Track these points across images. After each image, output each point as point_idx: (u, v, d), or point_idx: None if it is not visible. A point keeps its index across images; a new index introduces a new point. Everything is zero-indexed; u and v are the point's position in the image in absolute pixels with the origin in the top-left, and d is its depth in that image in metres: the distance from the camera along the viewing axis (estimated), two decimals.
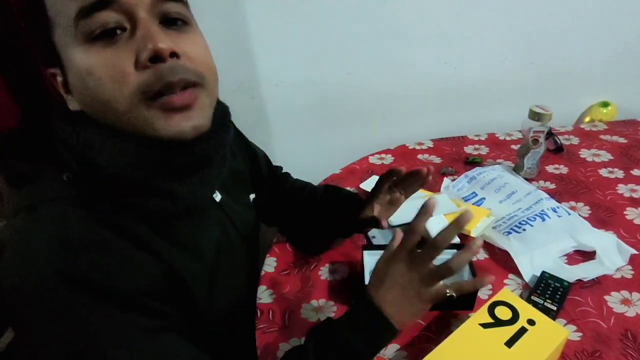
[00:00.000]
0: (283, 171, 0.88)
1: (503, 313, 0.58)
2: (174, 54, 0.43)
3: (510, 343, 0.55)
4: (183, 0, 0.47)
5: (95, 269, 0.41)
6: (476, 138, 1.21)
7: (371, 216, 0.72)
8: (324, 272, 0.78)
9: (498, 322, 0.57)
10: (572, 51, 1.26)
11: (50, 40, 0.44)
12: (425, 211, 0.51)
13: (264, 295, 0.74)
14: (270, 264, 0.81)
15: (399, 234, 0.56)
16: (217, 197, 0.60)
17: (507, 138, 1.20)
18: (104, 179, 0.45)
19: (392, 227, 0.85)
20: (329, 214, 0.77)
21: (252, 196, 0.72)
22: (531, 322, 0.57)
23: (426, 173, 0.68)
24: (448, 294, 0.51)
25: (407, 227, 0.52)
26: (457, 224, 0.49)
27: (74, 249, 0.40)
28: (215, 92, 0.50)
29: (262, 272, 0.79)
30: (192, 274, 0.50)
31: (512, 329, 0.56)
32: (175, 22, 0.46)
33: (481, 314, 0.59)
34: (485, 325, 0.57)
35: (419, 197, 0.94)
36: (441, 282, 0.51)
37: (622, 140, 1.15)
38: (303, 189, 0.84)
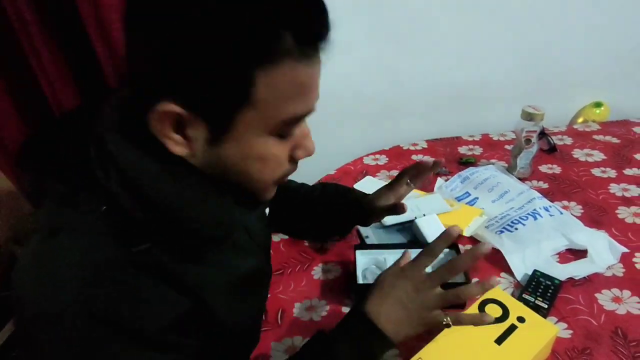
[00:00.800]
0: None
1: (493, 310, 0.59)
2: None
3: (500, 340, 0.55)
4: None
5: (118, 305, 0.40)
6: (470, 138, 1.21)
7: (391, 204, 0.70)
8: (317, 272, 0.79)
9: None
10: (566, 52, 1.27)
11: (229, 108, 0.39)
12: (447, 237, 0.50)
13: None
14: None
15: (408, 254, 0.56)
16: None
17: (501, 138, 1.21)
18: (162, 224, 0.43)
19: (385, 227, 0.86)
20: (331, 208, 0.76)
21: (267, 209, 0.72)
22: (521, 319, 0.58)
23: (438, 162, 0.68)
24: (444, 323, 0.50)
25: (425, 248, 0.52)
26: (469, 253, 0.50)
27: (100, 287, 0.39)
28: None
29: None
30: (220, 303, 0.50)
31: (502, 326, 0.57)
32: None
33: (471, 312, 0.59)
34: None
35: (414, 196, 0.95)
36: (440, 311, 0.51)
37: (614, 140, 1.16)
38: (298, 189, 0.84)
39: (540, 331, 0.56)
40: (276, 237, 0.87)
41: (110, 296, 0.40)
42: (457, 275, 0.50)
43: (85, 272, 0.39)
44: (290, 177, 0.87)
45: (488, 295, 0.61)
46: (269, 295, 0.74)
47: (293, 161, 0.47)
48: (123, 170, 0.41)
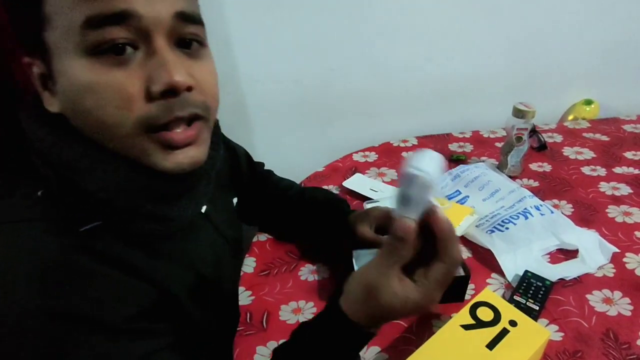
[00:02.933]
0: (266, 168, 0.85)
1: (485, 314, 0.57)
2: (188, 88, 0.40)
3: (491, 345, 0.53)
4: (202, 21, 0.44)
5: (78, 301, 0.38)
6: (461, 136, 1.20)
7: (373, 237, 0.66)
8: (304, 273, 0.76)
9: (480, 324, 0.56)
10: (557, 50, 1.26)
11: (38, 34, 0.38)
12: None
13: (242, 297, 0.72)
14: (249, 265, 0.78)
15: (402, 225, 0.40)
16: (203, 208, 0.57)
17: (492, 136, 1.20)
18: (87, 201, 0.40)
19: None
20: (320, 228, 0.74)
21: (235, 199, 0.70)
22: (513, 323, 0.56)
23: None
24: None
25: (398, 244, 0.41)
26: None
27: (54, 282, 0.37)
28: (214, 120, 0.48)
29: (241, 273, 0.77)
30: (184, 290, 0.48)
31: (494, 331, 0.55)
32: (191, 44, 0.42)
33: (462, 315, 0.57)
34: (466, 327, 0.56)
35: None
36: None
37: (604, 138, 1.15)
38: (288, 189, 0.81)
39: (533, 335, 0.55)
40: (263, 237, 0.85)
41: (66, 289, 0.37)
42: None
43: (33, 268, 0.37)
44: (279, 173, 0.86)
45: (479, 298, 0.59)
46: (253, 297, 0.72)
47: (154, 98, 0.38)
48: (37, 147, 0.40)
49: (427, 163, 0.39)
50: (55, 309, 0.36)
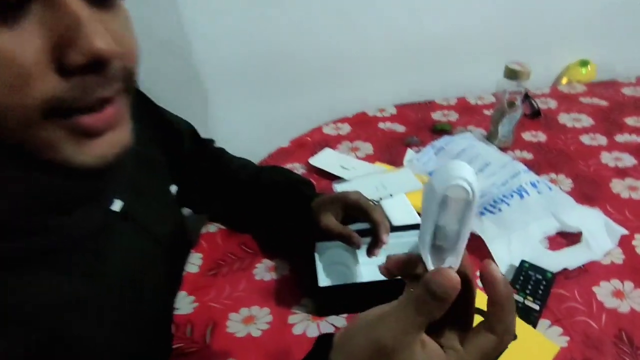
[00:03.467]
0: (216, 146, 0.71)
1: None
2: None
3: None
4: None
5: None
6: (445, 103, 1.07)
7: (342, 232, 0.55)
8: (259, 271, 0.63)
9: None
10: (550, 4, 1.12)
11: None
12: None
13: (182, 304, 0.59)
14: (194, 263, 0.65)
15: (446, 278, 0.27)
16: (116, 205, 0.42)
17: (479, 102, 1.07)
18: None
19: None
20: (279, 216, 0.62)
21: (174, 188, 0.56)
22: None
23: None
24: None
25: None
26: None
27: None
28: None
29: (184, 273, 0.63)
30: (85, 327, 0.36)
31: None
32: None
33: None
34: None
35: (380, 172, 0.80)
36: None
37: (603, 102, 1.04)
38: (242, 169, 0.68)
39: (537, 352, 0.43)
40: (213, 228, 0.71)
41: None
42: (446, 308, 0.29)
43: None
44: (237, 151, 0.72)
45: None
46: (196, 305, 0.59)
47: (68, 73, 0.27)
48: None
49: (470, 175, 0.24)
50: None
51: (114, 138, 0.32)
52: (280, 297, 0.59)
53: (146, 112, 0.55)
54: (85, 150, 0.30)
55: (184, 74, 0.96)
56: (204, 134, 0.69)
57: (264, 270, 0.63)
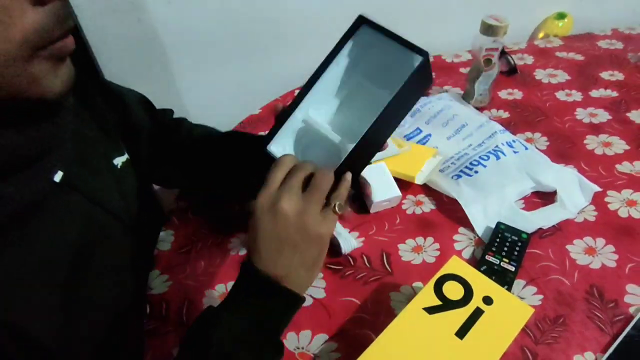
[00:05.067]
0: (176, 116, 0.67)
1: (453, 291, 0.45)
2: None
3: (462, 332, 0.42)
4: None
5: None
6: None
7: None
8: (234, 245, 0.62)
9: (447, 304, 0.44)
10: None
11: None
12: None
13: (156, 283, 0.57)
14: (165, 240, 0.63)
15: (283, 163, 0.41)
16: (57, 176, 0.39)
17: (455, 60, 1.04)
18: None
19: None
20: (233, 163, 0.59)
21: (120, 159, 0.52)
22: (488, 300, 0.45)
23: None
24: (339, 212, 0.40)
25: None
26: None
27: None
28: None
29: (155, 251, 0.61)
30: (27, 309, 0.34)
31: (465, 312, 0.44)
32: None
33: (425, 295, 0.45)
34: (431, 310, 0.44)
35: None
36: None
37: (578, 57, 1.02)
38: (204, 136, 0.64)
39: (512, 314, 0.44)
40: (183, 204, 0.68)
41: None
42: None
43: None
44: (204, 120, 0.68)
45: (445, 270, 0.47)
46: (170, 283, 0.57)
47: (43, 3, 0.29)
48: None
49: None
50: None
51: (70, 66, 0.34)
52: None
53: (90, 88, 0.51)
54: (58, 74, 0.32)
55: (144, 39, 0.89)
56: (167, 103, 0.65)
57: (239, 245, 0.62)
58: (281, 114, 0.47)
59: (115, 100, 0.56)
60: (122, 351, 0.48)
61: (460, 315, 0.43)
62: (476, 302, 0.44)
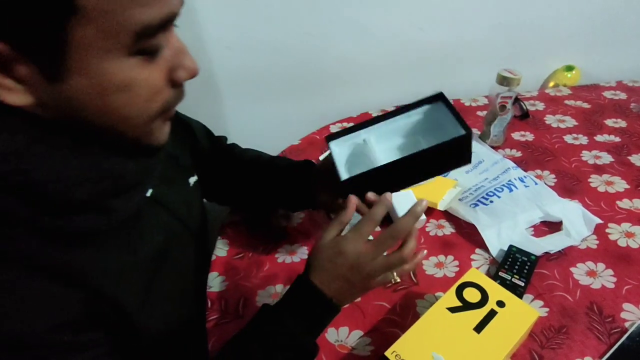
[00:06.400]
0: (229, 142, 0.79)
1: (472, 295, 0.55)
2: None
3: (479, 328, 0.51)
4: None
5: None
6: None
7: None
8: (281, 254, 0.72)
9: (467, 306, 0.54)
10: (538, 14, 1.21)
11: (52, 25, 0.30)
12: (413, 215, 0.49)
13: (215, 282, 0.68)
14: (222, 248, 0.74)
15: (353, 202, 0.51)
16: (148, 192, 0.50)
17: (473, 104, 1.16)
18: (11, 195, 0.34)
19: None
20: (281, 184, 0.69)
21: (192, 179, 0.64)
22: (501, 303, 0.54)
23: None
24: (393, 282, 0.51)
25: (365, 215, 0.49)
26: (413, 214, 0.49)
27: None
28: None
29: (214, 257, 0.72)
30: (124, 291, 0.43)
31: (481, 312, 0.53)
32: None
33: (449, 297, 0.55)
34: (453, 309, 0.53)
35: None
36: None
37: (585, 105, 1.13)
38: (252, 157, 0.75)
39: (521, 316, 0.53)
40: (236, 217, 0.79)
41: None
42: (400, 239, 0.49)
43: None
44: (249, 147, 0.80)
45: (465, 278, 0.57)
46: (227, 283, 0.67)
47: (176, 85, 0.39)
48: None
49: None
50: None
51: (169, 124, 0.43)
52: None
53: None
54: (164, 131, 0.42)
55: (204, 79, 1.04)
56: (221, 132, 0.76)
57: (285, 254, 0.72)
58: (350, 128, 0.59)
59: (185, 128, 0.67)
60: (189, 336, 0.58)
61: (477, 315, 0.52)
62: (491, 304, 0.53)
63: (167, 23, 0.35)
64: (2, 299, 0.33)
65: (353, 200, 0.51)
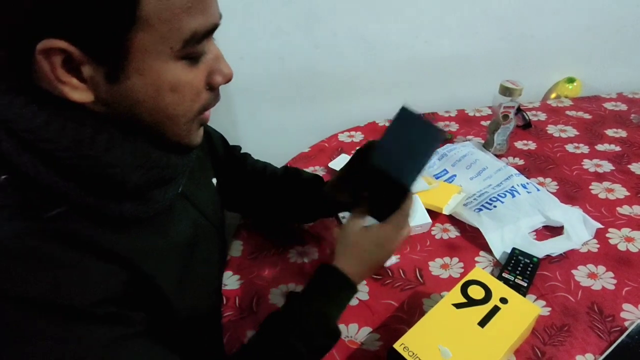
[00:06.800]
0: (243, 151, 0.83)
1: (476, 292, 0.57)
2: None
3: (483, 322, 0.54)
4: None
5: (34, 280, 0.36)
6: (446, 114, 1.19)
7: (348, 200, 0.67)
8: (293, 255, 0.75)
9: (471, 302, 0.56)
10: (540, 28, 1.25)
11: (116, 32, 0.35)
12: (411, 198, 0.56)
13: (229, 281, 0.71)
14: (236, 248, 0.77)
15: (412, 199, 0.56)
16: (179, 187, 0.53)
17: (477, 114, 1.19)
18: (70, 181, 0.38)
19: None
20: (291, 199, 0.73)
21: (214, 180, 0.68)
22: (504, 300, 0.56)
23: None
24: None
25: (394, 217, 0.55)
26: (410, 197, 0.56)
27: (9, 266, 0.35)
28: None
29: (228, 257, 0.75)
30: (161, 273, 0.47)
31: (485, 308, 0.55)
32: None
33: (454, 294, 0.57)
34: (458, 305, 0.56)
35: None
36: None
37: (586, 116, 1.16)
38: (263, 170, 0.79)
39: (523, 312, 0.55)
40: (250, 220, 0.83)
41: (23, 271, 0.35)
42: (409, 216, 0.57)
43: None
44: (263, 156, 0.84)
45: (470, 276, 0.59)
46: (241, 281, 0.70)
47: (212, 89, 0.44)
48: (11, 127, 0.37)
49: None
50: (8, 290, 0.35)
51: (203, 129, 0.48)
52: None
53: None
54: (199, 133, 0.47)
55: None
56: (233, 141, 0.80)
57: (297, 255, 0.75)
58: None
59: (206, 135, 0.71)
60: (210, 326, 0.61)
61: (481, 310, 0.55)
62: (494, 301, 0.56)
63: (210, 32, 0.40)
64: (55, 272, 0.36)
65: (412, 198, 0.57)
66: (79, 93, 0.37)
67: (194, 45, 0.39)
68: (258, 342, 0.51)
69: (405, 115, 0.54)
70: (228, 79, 0.44)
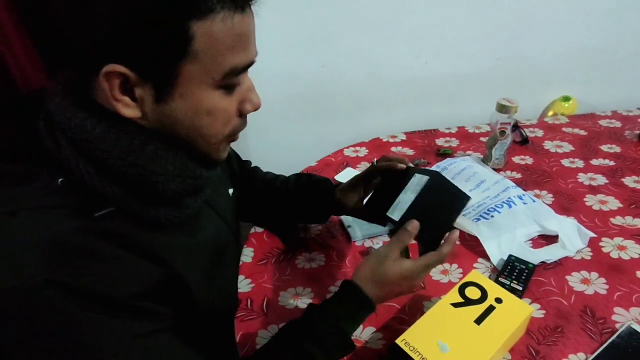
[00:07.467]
0: (252, 165, 0.88)
1: (473, 293, 0.61)
2: None
3: (479, 320, 0.58)
4: None
5: (82, 273, 0.40)
6: (447, 131, 1.25)
7: (356, 203, 0.73)
8: (301, 261, 0.80)
9: (468, 302, 0.60)
10: (537, 48, 1.32)
11: (170, 62, 0.41)
12: (450, 243, 0.58)
13: (242, 284, 0.75)
14: (247, 255, 0.81)
15: (414, 226, 0.58)
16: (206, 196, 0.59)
17: (476, 131, 1.25)
18: (117, 185, 0.44)
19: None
20: (304, 197, 0.78)
21: (231, 190, 0.73)
22: (499, 300, 0.60)
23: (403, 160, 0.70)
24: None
25: (435, 255, 0.57)
26: (450, 242, 0.58)
27: (61, 257, 0.39)
28: None
29: (240, 263, 0.79)
30: (190, 272, 0.51)
31: (481, 307, 0.59)
32: None
33: (452, 295, 0.61)
34: (456, 305, 0.60)
35: None
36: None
37: (582, 132, 1.21)
38: (274, 180, 0.84)
39: (517, 311, 0.59)
40: (259, 229, 0.88)
41: (73, 265, 0.40)
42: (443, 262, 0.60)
43: (44, 246, 0.39)
44: (272, 169, 0.89)
45: (467, 279, 0.63)
46: (252, 285, 0.75)
47: (242, 116, 0.49)
48: (71, 136, 0.42)
49: None
50: (58, 281, 0.38)
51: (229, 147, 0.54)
52: (319, 280, 0.75)
53: None
54: (226, 151, 0.52)
55: None
56: (244, 156, 0.86)
57: (305, 261, 0.79)
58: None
59: None
60: (226, 325, 0.65)
61: (478, 309, 0.59)
62: (490, 301, 0.60)
63: (247, 67, 0.46)
64: (97, 265, 0.41)
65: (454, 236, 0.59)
66: (130, 110, 0.43)
67: (231, 78, 0.45)
68: (274, 347, 0.54)
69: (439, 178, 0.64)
70: (256, 108, 0.49)
